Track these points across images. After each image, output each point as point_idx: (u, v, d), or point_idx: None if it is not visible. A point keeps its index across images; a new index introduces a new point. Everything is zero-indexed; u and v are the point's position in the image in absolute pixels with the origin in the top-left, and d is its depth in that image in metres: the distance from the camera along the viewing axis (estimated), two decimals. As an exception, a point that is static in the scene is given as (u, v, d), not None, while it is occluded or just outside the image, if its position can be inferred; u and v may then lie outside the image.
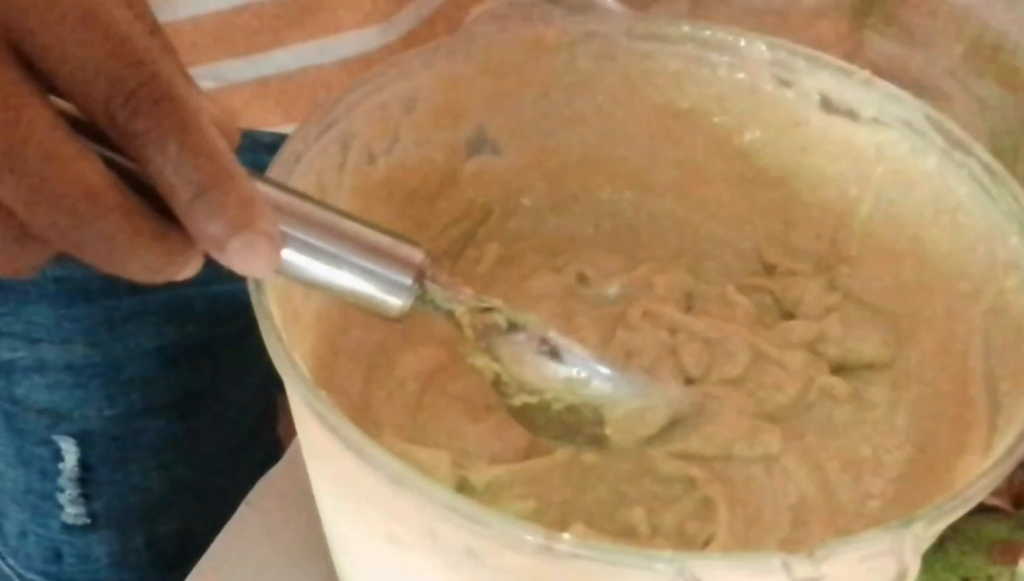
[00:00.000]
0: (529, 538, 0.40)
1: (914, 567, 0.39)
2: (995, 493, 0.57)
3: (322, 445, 0.46)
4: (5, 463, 0.77)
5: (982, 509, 0.53)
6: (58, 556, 0.77)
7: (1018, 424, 0.44)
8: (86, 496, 0.75)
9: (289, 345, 0.46)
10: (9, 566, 0.82)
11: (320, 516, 0.53)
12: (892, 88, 0.56)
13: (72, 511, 0.75)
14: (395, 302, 0.45)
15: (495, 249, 0.60)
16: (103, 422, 0.74)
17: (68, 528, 0.76)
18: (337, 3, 0.67)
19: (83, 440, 0.74)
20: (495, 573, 0.43)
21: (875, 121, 0.57)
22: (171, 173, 0.38)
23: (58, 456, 0.74)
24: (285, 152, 0.51)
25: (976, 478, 0.41)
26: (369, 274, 0.44)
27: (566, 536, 0.40)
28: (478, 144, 0.60)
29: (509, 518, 0.40)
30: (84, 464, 0.74)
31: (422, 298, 0.46)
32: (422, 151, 0.58)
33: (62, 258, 0.70)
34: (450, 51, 0.57)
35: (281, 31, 0.67)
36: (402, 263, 0.45)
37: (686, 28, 0.59)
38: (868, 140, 0.57)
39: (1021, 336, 0.49)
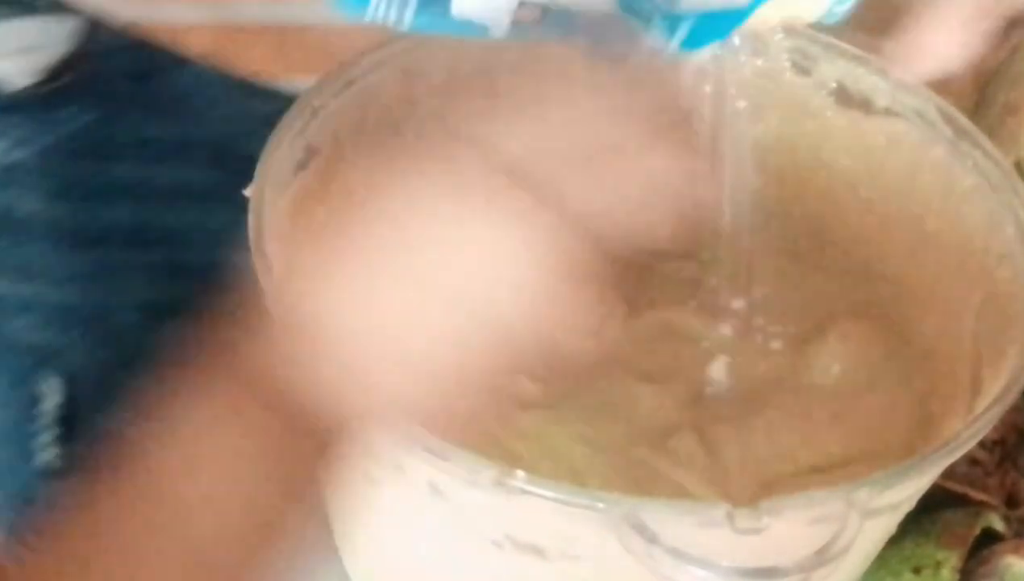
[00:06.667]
0: (484, 473, 0.41)
1: (853, 531, 0.40)
2: (986, 490, 0.57)
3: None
4: None
5: (943, 503, 0.54)
6: (30, 501, 0.74)
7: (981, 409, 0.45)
8: (64, 439, 0.73)
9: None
10: None
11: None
12: (907, 78, 0.57)
13: (47, 455, 0.73)
14: None
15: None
16: (88, 365, 0.73)
17: (41, 472, 0.74)
18: None
19: (69, 381, 0.73)
20: (458, 509, 0.44)
21: (887, 111, 0.57)
22: None
23: (38, 399, 0.73)
24: (312, 91, 0.53)
25: (918, 459, 0.42)
26: None
27: (519, 473, 0.41)
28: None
29: (466, 453, 0.41)
30: (68, 406, 0.73)
31: None
32: (445, 116, 0.60)
33: (62, 197, 0.70)
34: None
35: None
36: None
37: (709, 11, 0.60)
38: (879, 131, 0.58)
39: (1007, 323, 0.49)
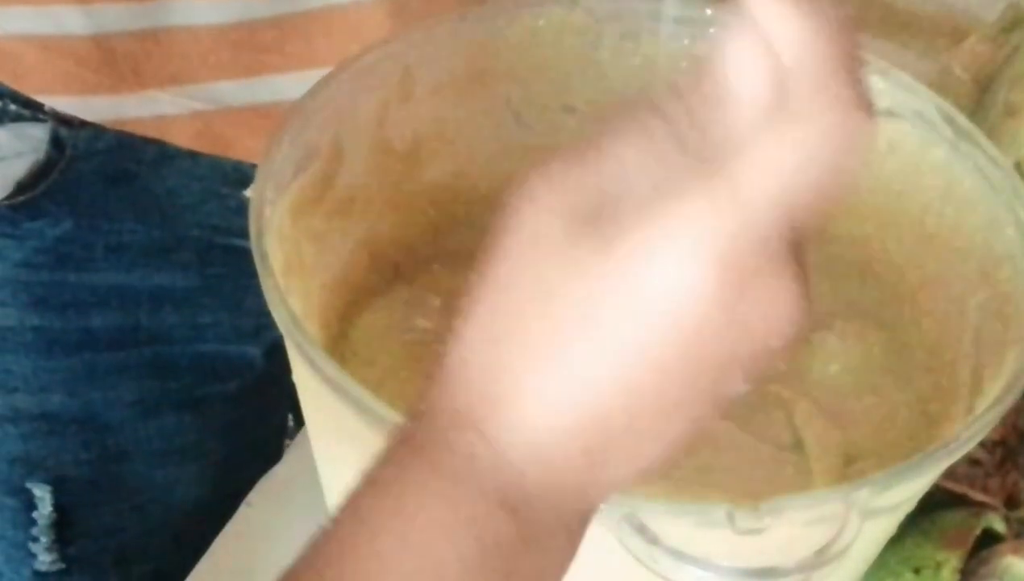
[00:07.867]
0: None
1: (853, 531, 0.40)
2: (987, 491, 0.57)
3: (310, 386, 0.48)
4: None
5: (943, 503, 0.54)
6: None
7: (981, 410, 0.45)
8: (61, 541, 0.73)
9: (285, 290, 0.48)
10: None
11: (320, 479, 0.54)
12: (907, 78, 0.57)
13: (46, 558, 0.73)
14: None
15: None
16: (78, 467, 0.72)
17: (41, 575, 0.74)
18: (340, 26, 0.64)
19: (58, 486, 0.72)
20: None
21: (888, 112, 0.57)
22: None
23: (31, 505, 0.72)
24: (312, 92, 0.53)
25: (918, 459, 0.42)
26: None
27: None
28: (502, 115, 0.62)
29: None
30: (59, 509, 0.73)
31: None
32: (445, 116, 0.60)
33: (40, 307, 0.68)
34: (478, 20, 0.59)
35: (279, 55, 0.65)
36: None
37: (709, 12, 0.60)
38: (880, 132, 0.57)
39: (1007, 323, 0.50)
